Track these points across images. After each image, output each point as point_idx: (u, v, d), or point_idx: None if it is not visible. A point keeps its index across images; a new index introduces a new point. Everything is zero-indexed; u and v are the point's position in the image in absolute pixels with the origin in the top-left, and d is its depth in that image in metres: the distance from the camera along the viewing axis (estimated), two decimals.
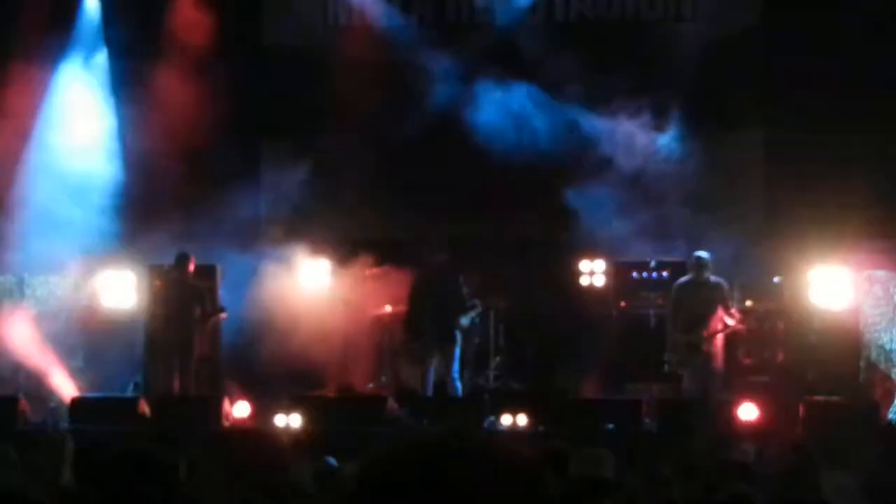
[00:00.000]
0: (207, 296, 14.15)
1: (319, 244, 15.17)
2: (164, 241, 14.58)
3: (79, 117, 15.86)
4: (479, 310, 14.13)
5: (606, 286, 15.23)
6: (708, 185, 15.63)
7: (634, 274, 14.71)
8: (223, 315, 14.33)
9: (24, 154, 15.44)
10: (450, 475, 2.88)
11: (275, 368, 14.77)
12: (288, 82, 16.04)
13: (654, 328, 14.47)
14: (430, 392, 13.48)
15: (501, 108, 15.71)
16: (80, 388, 14.48)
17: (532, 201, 15.76)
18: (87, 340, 15.17)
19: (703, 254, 13.55)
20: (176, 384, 13.81)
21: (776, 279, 13.97)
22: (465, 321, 13.70)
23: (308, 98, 15.90)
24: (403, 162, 15.79)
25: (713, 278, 13.50)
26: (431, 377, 13.59)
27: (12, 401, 12.91)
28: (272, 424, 13.01)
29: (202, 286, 14.19)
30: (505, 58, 15.89)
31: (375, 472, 2.94)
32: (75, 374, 14.91)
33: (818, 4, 15.40)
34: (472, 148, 15.69)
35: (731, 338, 14.16)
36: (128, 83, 15.95)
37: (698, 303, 13.38)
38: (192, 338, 13.94)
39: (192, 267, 14.06)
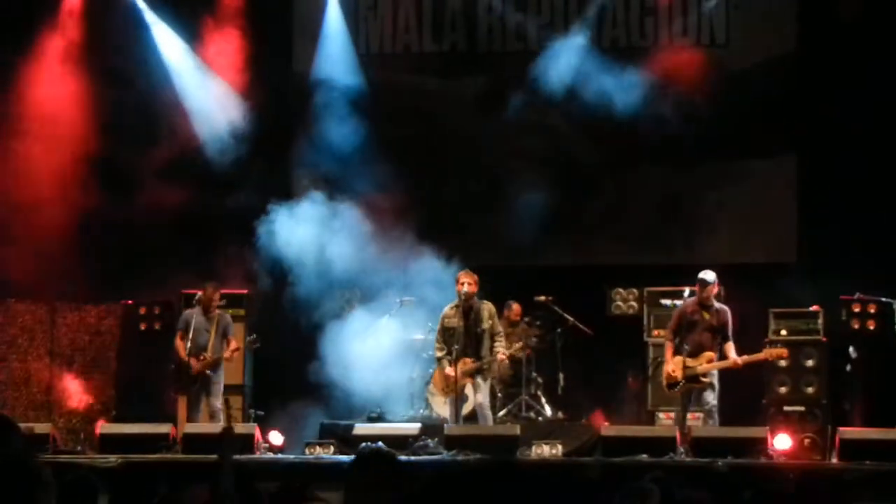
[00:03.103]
0: (233, 327, 14.05)
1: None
2: (195, 267, 14.59)
3: None
4: (511, 345, 14.01)
5: (639, 315, 15.09)
6: (741, 211, 15.54)
7: (668, 303, 14.56)
8: (254, 342, 14.27)
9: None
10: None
11: (307, 397, 14.76)
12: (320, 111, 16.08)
13: None
14: (460, 422, 13.37)
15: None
16: (112, 417, 14.52)
17: (563, 230, 15.73)
18: (119, 367, 15.20)
19: (710, 274, 12.94)
20: (202, 416, 13.72)
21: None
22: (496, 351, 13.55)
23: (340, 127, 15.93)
24: (435, 189, 15.76)
25: (718, 303, 12.96)
26: (462, 407, 13.48)
27: (43, 437, 12.71)
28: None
29: (228, 317, 14.09)
30: (538, 85, 15.87)
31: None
32: (109, 402, 14.94)
33: (852, 29, 15.24)
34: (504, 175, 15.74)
35: (767, 367, 14.01)
36: None
37: (705, 328, 12.85)
38: (217, 371, 13.81)
39: (217, 296, 13.96)
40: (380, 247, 14.93)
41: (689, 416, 13.05)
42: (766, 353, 13.00)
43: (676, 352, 12.94)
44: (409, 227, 15.02)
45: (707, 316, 12.84)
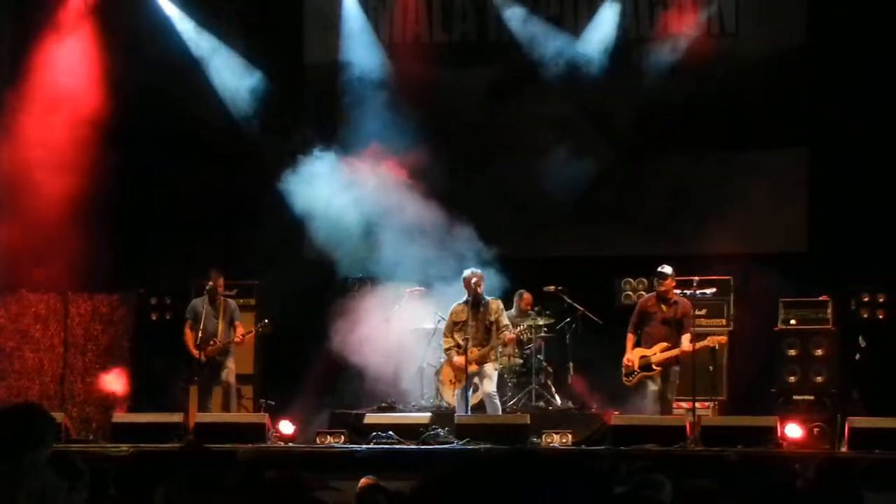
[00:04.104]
0: (239, 313, 14.16)
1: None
2: (206, 256, 14.63)
3: None
4: (518, 334, 14.04)
5: None
6: (751, 201, 15.52)
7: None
8: (265, 327, 14.31)
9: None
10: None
11: (317, 386, 14.81)
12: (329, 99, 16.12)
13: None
14: (468, 411, 13.43)
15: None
16: (126, 407, 14.61)
17: (574, 220, 15.76)
18: (132, 357, 15.26)
19: (667, 268, 13.33)
20: (213, 400, 13.83)
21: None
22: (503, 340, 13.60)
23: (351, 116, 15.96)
24: (444, 179, 15.76)
25: (678, 297, 13.31)
26: (470, 396, 13.53)
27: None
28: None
29: (233, 303, 14.20)
30: (547, 76, 15.89)
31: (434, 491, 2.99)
32: (125, 393, 15.02)
33: (862, 21, 15.20)
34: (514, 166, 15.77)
35: (776, 356, 14.04)
36: None
37: (661, 320, 13.21)
38: (227, 356, 13.94)
39: (221, 283, 14.08)
40: (390, 235, 14.99)
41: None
42: (708, 340, 13.40)
43: (637, 344, 13.32)
44: (418, 218, 15.04)
45: (665, 308, 13.27)
